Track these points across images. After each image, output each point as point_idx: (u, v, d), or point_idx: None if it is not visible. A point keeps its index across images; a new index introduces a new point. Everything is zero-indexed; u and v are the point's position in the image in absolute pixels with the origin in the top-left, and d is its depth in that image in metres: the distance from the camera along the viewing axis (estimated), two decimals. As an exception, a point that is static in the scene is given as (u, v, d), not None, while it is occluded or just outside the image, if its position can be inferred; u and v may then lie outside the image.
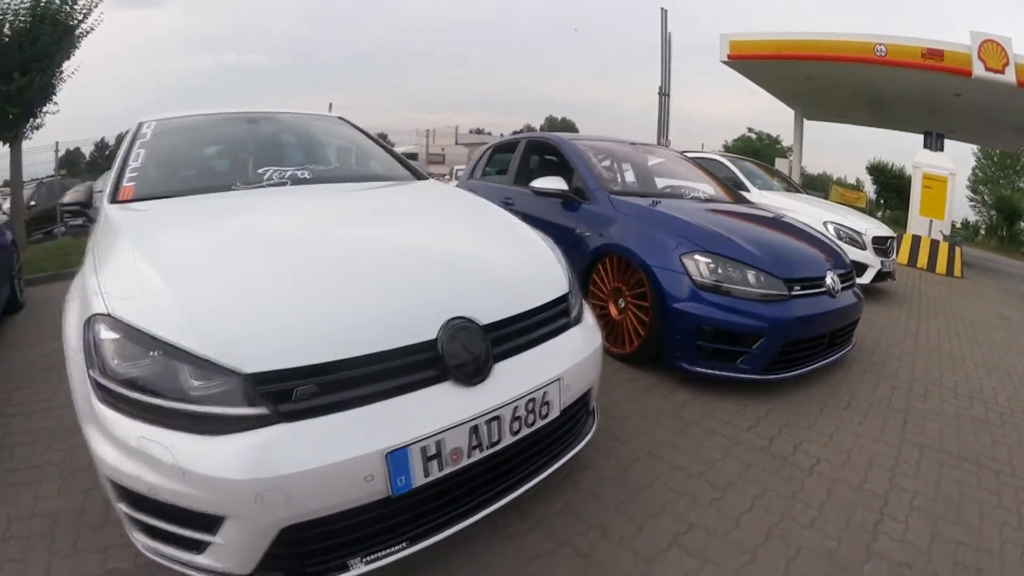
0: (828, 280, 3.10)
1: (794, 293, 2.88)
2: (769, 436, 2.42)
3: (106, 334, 1.33)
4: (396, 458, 1.26)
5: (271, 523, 1.22)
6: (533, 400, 1.50)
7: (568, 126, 63.67)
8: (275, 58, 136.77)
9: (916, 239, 9.90)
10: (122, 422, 1.26)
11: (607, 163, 4.13)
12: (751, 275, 2.80)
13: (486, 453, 1.41)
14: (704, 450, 2.24)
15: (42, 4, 9.62)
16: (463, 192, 2.65)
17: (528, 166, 4.67)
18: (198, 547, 1.28)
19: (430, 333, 1.38)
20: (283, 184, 2.45)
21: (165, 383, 1.25)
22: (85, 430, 1.38)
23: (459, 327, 1.41)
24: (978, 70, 10.49)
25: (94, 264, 1.61)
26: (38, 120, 10.50)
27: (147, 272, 1.48)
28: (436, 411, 1.34)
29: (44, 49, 9.65)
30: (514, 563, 1.54)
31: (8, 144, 10.28)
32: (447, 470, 1.35)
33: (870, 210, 18.97)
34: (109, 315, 1.35)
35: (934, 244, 9.64)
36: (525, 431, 1.49)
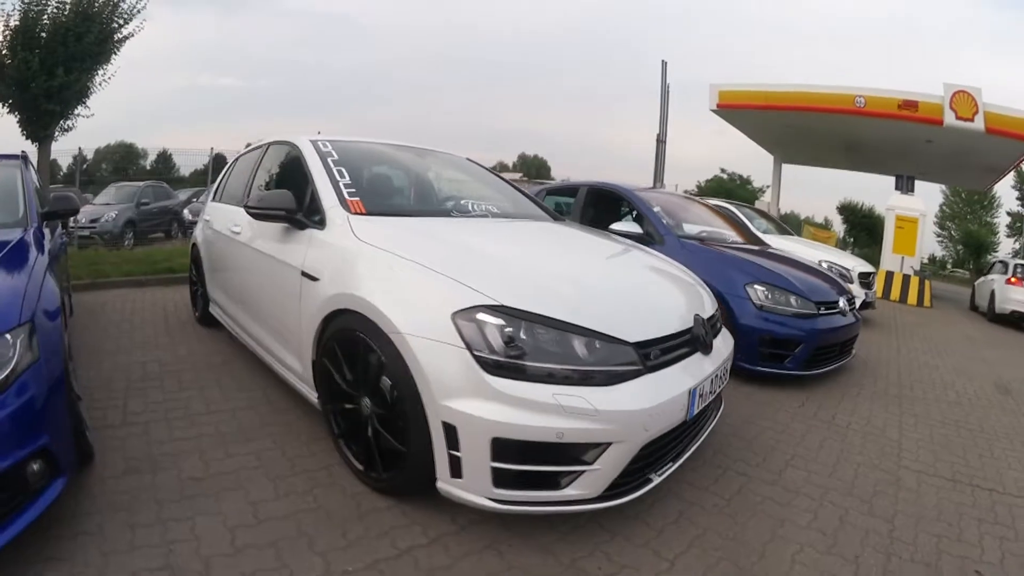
0: (841, 303, 4.24)
1: (820, 312, 4.00)
2: (814, 411, 3.47)
3: (495, 320, 1.69)
4: (693, 395, 1.96)
5: (637, 444, 1.73)
6: (724, 368, 2.33)
7: (540, 164, 65.00)
8: (251, 81, 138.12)
9: (889, 274, 11.24)
10: (530, 387, 1.63)
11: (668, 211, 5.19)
12: (792, 299, 3.90)
13: (711, 399, 2.19)
14: (778, 419, 3.26)
15: (84, 2, 9.46)
16: (606, 233, 3.46)
17: (590, 210, 5.68)
18: (569, 479, 1.68)
19: (690, 323, 2.15)
20: (485, 216, 2.89)
21: (566, 352, 1.71)
22: (453, 404, 1.66)
23: (700, 320, 2.22)
24: (949, 119, 11.46)
25: (424, 266, 1.91)
26: (70, 122, 10.34)
27: (522, 274, 2.02)
28: (698, 369, 2.07)
29: (88, 49, 9.53)
30: (707, 481, 2.41)
31: (38, 143, 10.10)
32: (701, 406, 2.07)
33: (839, 248, 20.39)
34: (502, 306, 1.71)
35: (906, 278, 10.97)
36: (720, 387, 2.32)
